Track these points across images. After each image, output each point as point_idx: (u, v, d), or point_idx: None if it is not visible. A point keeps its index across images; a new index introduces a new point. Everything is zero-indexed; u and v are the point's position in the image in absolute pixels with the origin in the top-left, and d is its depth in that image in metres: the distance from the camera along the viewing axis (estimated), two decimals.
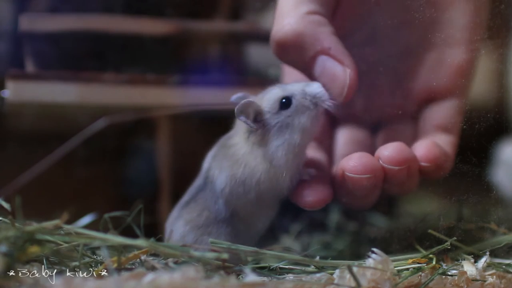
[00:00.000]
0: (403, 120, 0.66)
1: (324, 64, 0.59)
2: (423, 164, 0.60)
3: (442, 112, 0.65)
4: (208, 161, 0.61)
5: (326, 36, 0.59)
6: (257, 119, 0.59)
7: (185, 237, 0.60)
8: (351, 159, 0.59)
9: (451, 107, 0.65)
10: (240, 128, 0.60)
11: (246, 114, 0.58)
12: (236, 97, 0.61)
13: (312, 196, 0.59)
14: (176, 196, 0.76)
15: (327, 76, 0.59)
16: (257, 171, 0.59)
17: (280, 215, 0.74)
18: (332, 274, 0.54)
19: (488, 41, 0.64)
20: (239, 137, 0.60)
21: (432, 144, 0.61)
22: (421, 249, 0.60)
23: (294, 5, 0.60)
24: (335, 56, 0.59)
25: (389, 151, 0.59)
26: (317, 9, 0.60)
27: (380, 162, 0.59)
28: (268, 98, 0.59)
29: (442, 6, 0.65)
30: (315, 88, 0.59)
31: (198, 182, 0.62)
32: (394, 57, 0.66)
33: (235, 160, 0.59)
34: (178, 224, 0.61)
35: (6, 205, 0.56)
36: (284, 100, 0.59)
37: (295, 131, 0.58)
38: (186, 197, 0.62)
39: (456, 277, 0.54)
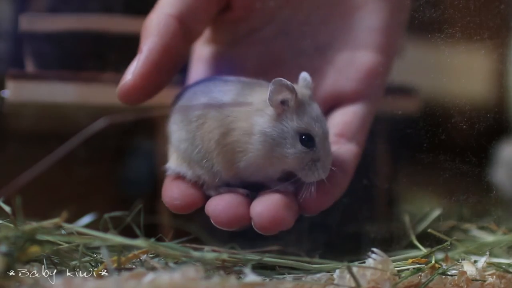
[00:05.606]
0: None
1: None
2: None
3: (346, 118, 0.60)
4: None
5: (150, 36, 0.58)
6: (284, 104, 0.54)
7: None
8: (218, 206, 0.54)
9: (357, 113, 0.60)
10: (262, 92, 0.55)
11: (283, 92, 0.53)
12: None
13: (180, 200, 0.56)
14: None
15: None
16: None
17: None
18: (332, 274, 0.54)
19: (488, 41, 0.64)
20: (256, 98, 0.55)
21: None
22: (422, 248, 0.60)
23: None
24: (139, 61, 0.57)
25: (261, 212, 0.53)
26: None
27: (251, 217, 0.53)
28: (308, 117, 0.54)
29: (355, 5, 0.62)
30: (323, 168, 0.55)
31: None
32: (303, 55, 0.62)
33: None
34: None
35: (6, 208, 0.56)
36: (304, 137, 0.54)
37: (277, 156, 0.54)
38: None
39: (456, 277, 0.54)
